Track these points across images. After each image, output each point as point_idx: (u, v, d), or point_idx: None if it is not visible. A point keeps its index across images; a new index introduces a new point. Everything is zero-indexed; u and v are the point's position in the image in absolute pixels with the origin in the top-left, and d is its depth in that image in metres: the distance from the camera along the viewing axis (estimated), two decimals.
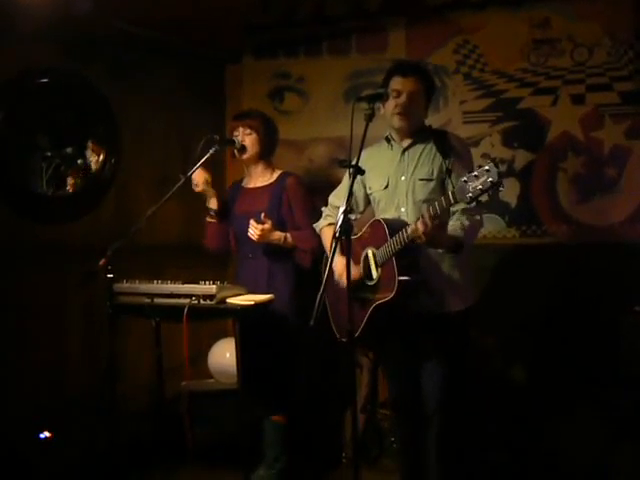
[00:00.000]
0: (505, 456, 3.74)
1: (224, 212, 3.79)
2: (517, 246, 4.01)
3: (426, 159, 3.09)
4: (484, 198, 2.56)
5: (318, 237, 3.52)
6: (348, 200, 2.70)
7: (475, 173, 2.54)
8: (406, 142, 3.15)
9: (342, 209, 2.69)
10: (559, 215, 3.96)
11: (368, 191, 3.26)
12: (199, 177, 3.65)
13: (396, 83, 3.11)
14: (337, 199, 3.32)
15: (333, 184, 3.50)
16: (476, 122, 4.08)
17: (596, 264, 3.82)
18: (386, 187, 3.15)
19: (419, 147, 3.12)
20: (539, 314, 3.88)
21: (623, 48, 3.84)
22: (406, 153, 3.13)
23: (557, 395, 3.81)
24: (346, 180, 3.25)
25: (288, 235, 3.60)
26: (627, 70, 3.84)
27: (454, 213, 2.96)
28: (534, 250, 3.97)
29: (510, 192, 3.98)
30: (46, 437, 3.50)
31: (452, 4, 4.12)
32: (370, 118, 2.82)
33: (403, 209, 3.09)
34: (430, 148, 3.10)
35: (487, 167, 2.52)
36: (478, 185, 2.53)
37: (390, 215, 3.11)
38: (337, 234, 2.67)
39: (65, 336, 3.82)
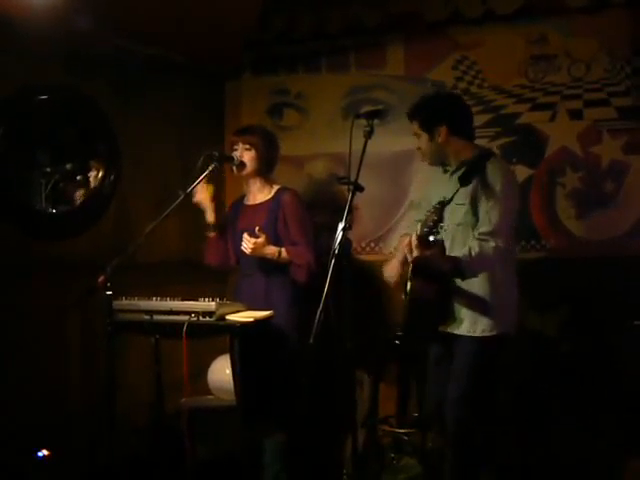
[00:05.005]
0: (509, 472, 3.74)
1: (222, 226, 3.79)
2: (516, 261, 4.00)
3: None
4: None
5: (313, 252, 3.52)
6: (347, 217, 2.71)
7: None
8: (454, 165, 3.22)
9: (341, 226, 2.70)
10: (558, 230, 3.97)
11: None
12: (199, 189, 3.63)
13: None
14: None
15: (332, 200, 3.49)
16: (475, 137, 4.09)
17: (595, 278, 3.82)
18: None
19: (463, 172, 3.10)
20: (538, 328, 3.87)
21: (620, 64, 3.86)
22: (453, 176, 3.16)
23: (558, 410, 3.80)
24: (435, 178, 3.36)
25: (283, 250, 3.57)
26: (624, 85, 3.86)
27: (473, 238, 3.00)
28: (533, 265, 3.97)
29: None
30: (44, 455, 3.48)
31: (450, 20, 4.15)
32: (369, 135, 2.85)
33: (445, 229, 3.12)
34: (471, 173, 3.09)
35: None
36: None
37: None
38: (335, 251, 2.69)
39: (65, 352, 3.81)
